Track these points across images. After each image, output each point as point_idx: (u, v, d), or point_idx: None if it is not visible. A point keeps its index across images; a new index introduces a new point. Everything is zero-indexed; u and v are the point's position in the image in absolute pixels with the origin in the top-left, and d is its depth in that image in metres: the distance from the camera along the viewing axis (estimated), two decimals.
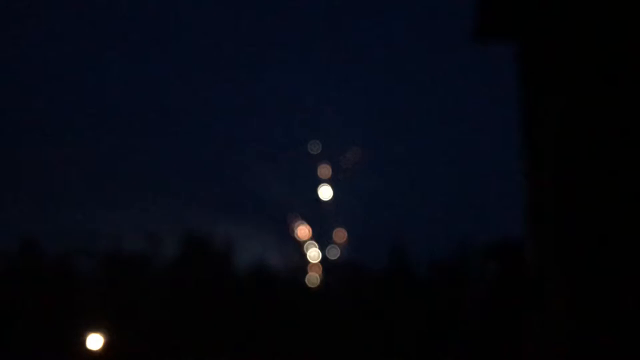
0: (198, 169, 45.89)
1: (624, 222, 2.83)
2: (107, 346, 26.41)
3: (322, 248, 35.25)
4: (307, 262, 34.61)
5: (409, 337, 28.72)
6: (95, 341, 26.40)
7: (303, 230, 34.62)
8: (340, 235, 35.20)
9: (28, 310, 28.60)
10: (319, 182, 35.75)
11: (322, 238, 35.39)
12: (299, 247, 34.35)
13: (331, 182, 35.69)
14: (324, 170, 35.28)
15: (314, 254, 34.77)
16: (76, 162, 42.28)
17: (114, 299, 29.47)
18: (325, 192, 35.28)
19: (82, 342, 26.39)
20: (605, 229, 2.94)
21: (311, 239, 34.92)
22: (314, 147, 35.77)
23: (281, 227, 35.52)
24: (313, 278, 34.01)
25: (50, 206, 38.60)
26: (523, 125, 3.51)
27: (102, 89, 49.11)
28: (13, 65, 44.29)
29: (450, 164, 45.17)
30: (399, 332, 29.01)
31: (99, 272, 31.86)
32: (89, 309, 28.21)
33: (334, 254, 35.31)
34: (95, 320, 26.82)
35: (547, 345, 3.07)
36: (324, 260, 34.93)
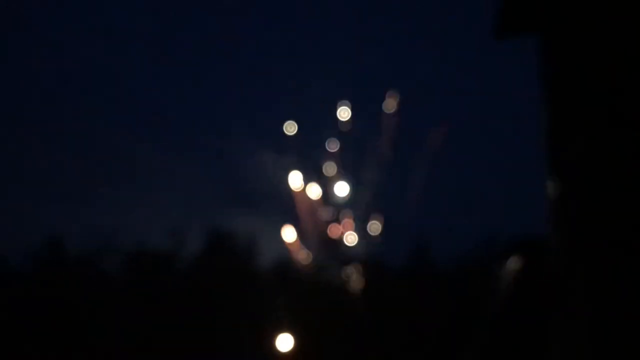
0: (219, 163, 46.07)
1: None
2: (296, 347, 26.19)
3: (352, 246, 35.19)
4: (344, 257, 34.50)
5: (431, 333, 28.67)
6: (284, 342, 26.17)
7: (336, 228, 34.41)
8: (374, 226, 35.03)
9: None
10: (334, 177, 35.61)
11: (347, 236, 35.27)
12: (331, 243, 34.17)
13: (349, 178, 35.52)
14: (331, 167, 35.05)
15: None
16: (96, 160, 42.63)
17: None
18: (341, 189, 35.05)
19: (271, 343, 26.16)
20: (629, 228, 2.92)
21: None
22: (332, 144, 35.43)
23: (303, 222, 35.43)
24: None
25: (73, 204, 38.93)
26: (548, 121, 3.49)
27: (121, 87, 49.46)
28: (39, 65, 44.73)
29: (475, 159, 44.94)
30: (420, 328, 28.96)
31: (125, 271, 32.07)
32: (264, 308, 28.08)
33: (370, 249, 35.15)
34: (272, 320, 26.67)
35: (570, 343, 3.05)
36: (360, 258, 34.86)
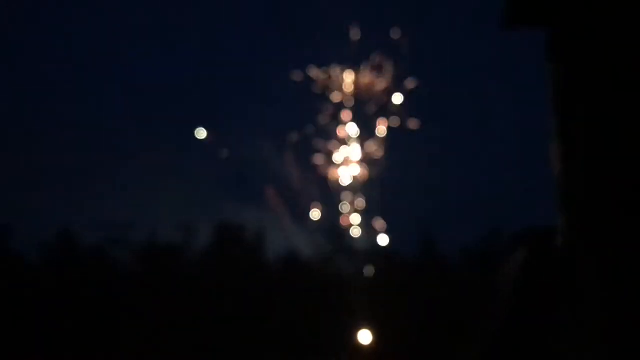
0: (226, 156, 46.09)
1: None
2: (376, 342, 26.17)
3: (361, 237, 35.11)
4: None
5: (438, 325, 28.66)
6: (365, 337, 26.26)
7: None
8: (379, 224, 34.84)
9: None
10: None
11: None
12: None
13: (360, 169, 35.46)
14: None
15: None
16: (106, 154, 42.70)
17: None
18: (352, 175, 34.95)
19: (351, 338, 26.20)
20: (637, 217, 2.92)
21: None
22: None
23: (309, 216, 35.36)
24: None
25: (84, 197, 39.04)
26: (554, 112, 3.50)
27: (129, 79, 49.50)
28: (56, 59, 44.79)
29: (481, 151, 44.83)
30: (428, 319, 28.95)
31: (135, 263, 32.19)
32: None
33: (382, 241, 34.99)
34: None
35: (578, 337, 3.05)
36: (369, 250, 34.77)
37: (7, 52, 45.09)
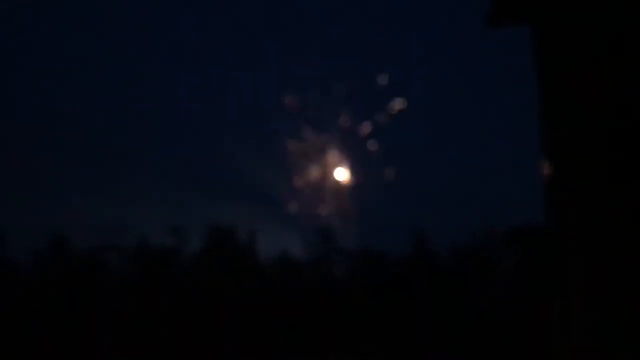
0: (219, 162, 46.15)
1: None
2: None
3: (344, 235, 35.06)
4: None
5: (431, 323, 28.68)
6: None
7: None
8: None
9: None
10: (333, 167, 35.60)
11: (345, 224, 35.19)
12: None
13: (349, 168, 35.49)
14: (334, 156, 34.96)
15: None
16: (98, 159, 42.64)
17: None
18: (341, 175, 34.97)
19: None
20: (623, 213, 2.93)
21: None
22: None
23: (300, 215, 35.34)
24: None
25: (77, 203, 38.96)
26: (542, 109, 3.50)
27: (123, 89, 49.47)
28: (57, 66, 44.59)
29: (473, 151, 44.95)
30: (420, 317, 28.97)
31: (128, 267, 32.08)
32: None
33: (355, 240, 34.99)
34: None
35: (568, 326, 3.06)
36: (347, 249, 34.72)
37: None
